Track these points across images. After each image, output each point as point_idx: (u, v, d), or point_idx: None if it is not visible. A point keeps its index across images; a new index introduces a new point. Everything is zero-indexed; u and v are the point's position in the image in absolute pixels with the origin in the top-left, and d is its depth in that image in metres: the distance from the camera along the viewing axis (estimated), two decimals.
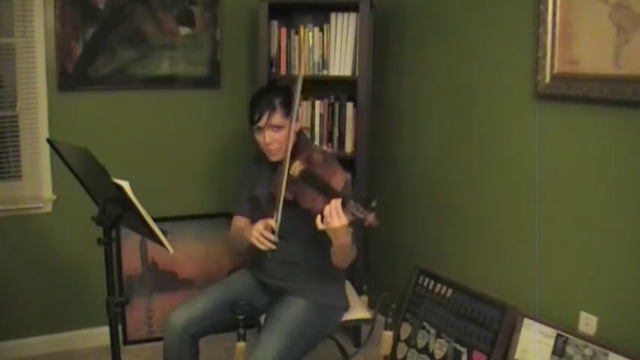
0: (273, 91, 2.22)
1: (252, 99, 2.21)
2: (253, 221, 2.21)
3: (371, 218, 1.82)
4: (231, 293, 2.22)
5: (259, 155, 2.28)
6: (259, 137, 2.16)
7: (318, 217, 1.88)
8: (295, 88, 2.07)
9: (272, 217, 2.05)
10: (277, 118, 2.12)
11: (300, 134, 2.23)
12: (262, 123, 2.12)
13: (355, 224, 1.86)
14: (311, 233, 2.17)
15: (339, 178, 2.03)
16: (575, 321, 2.16)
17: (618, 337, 2.02)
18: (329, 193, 1.93)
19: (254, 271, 2.33)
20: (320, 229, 1.88)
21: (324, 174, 2.04)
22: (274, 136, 2.13)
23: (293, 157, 2.08)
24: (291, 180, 2.06)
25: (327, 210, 1.86)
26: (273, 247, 2.02)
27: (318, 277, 2.22)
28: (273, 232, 2.03)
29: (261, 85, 2.83)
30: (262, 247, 2.02)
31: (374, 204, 1.83)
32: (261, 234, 2.02)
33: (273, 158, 2.17)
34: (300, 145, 2.17)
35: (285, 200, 2.05)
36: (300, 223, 2.10)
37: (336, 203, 1.86)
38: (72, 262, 2.94)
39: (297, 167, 2.07)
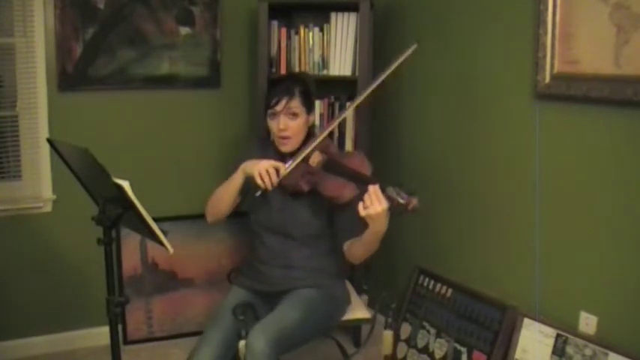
0: (293, 79, 2.23)
1: (270, 84, 2.23)
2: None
3: (415, 201, 1.81)
4: (228, 315, 2.11)
5: (265, 142, 2.26)
6: (273, 123, 2.15)
7: (361, 204, 1.84)
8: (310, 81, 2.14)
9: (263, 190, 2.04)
10: (295, 104, 2.12)
11: (310, 129, 2.24)
12: (280, 107, 2.11)
13: (397, 208, 1.83)
14: (312, 232, 2.16)
15: (366, 165, 2.03)
16: (575, 321, 2.16)
17: (618, 337, 2.02)
18: (360, 179, 1.90)
19: (249, 283, 2.26)
20: (362, 215, 1.84)
21: (348, 162, 2.03)
22: (289, 123, 2.12)
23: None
24: (308, 171, 2.05)
25: (366, 196, 1.83)
26: (269, 187, 2.01)
27: (318, 278, 2.21)
28: (278, 174, 2.02)
29: (260, 85, 2.84)
30: (260, 181, 2.00)
31: (415, 189, 1.83)
32: (267, 170, 2.00)
33: (284, 148, 2.15)
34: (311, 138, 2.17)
35: (297, 192, 2.04)
36: (303, 219, 2.10)
37: (374, 188, 1.83)
38: (72, 262, 2.94)
39: (316, 157, 2.06)
